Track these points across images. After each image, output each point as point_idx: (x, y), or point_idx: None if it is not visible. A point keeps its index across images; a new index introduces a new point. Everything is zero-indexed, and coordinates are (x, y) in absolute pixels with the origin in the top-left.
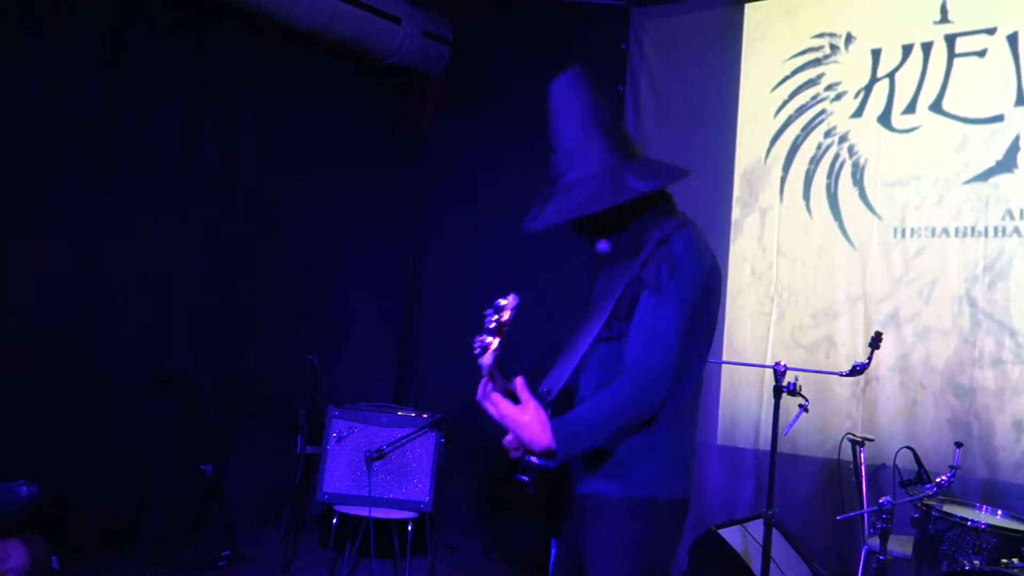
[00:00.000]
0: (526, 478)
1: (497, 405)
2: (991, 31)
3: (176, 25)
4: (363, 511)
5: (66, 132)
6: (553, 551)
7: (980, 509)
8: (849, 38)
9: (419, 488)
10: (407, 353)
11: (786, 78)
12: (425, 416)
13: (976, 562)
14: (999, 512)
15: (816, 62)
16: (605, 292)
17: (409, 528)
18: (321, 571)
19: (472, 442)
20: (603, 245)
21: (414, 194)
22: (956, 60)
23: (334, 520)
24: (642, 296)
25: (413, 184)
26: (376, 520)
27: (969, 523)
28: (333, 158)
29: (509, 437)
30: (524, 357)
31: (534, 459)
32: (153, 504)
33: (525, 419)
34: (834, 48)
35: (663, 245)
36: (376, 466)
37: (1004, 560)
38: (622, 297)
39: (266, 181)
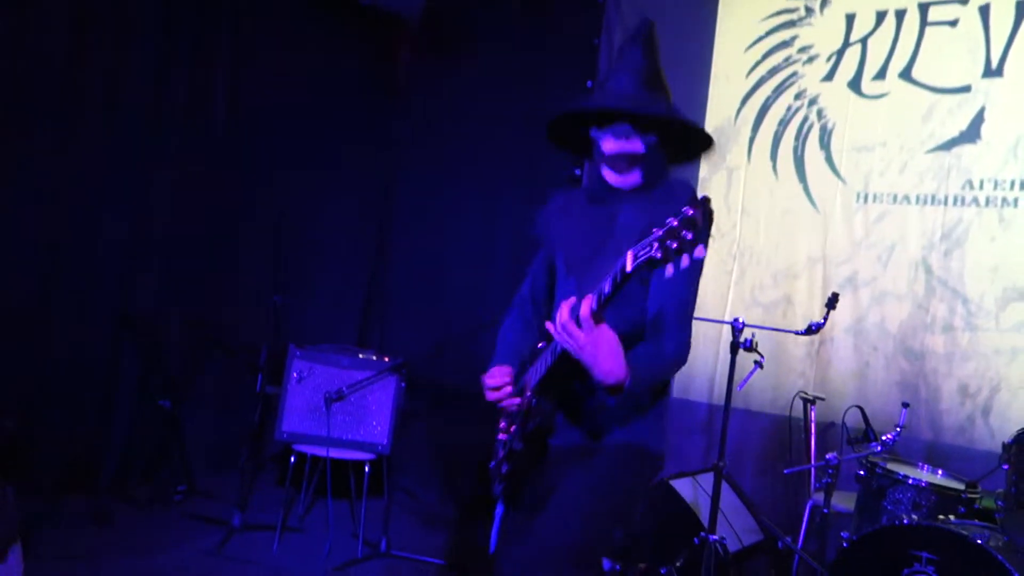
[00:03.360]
0: (492, 463)
1: (574, 336)
2: (964, 1)
3: None
4: (321, 451)
5: (35, 74)
6: (498, 514)
7: (922, 468)
8: (824, 1)
9: (378, 431)
10: (373, 298)
11: (760, 38)
12: (387, 360)
13: (914, 517)
14: (940, 472)
15: (790, 23)
16: (629, 229)
17: (366, 470)
18: (277, 509)
19: (432, 389)
20: (628, 180)
21: (386, 139)
22: (928, 28)
23: (291, 459)
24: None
25: (385, 129)
26: (333, 461)
27: (911, 480)
28: (305, 100)
29: (491, 379)
30: (495, 304)
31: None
32: (112, 441)
33: (604, 349)
34: (809, 10)
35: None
36: (335, 407)
37: (941, 516)
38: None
39: (237, 123)
